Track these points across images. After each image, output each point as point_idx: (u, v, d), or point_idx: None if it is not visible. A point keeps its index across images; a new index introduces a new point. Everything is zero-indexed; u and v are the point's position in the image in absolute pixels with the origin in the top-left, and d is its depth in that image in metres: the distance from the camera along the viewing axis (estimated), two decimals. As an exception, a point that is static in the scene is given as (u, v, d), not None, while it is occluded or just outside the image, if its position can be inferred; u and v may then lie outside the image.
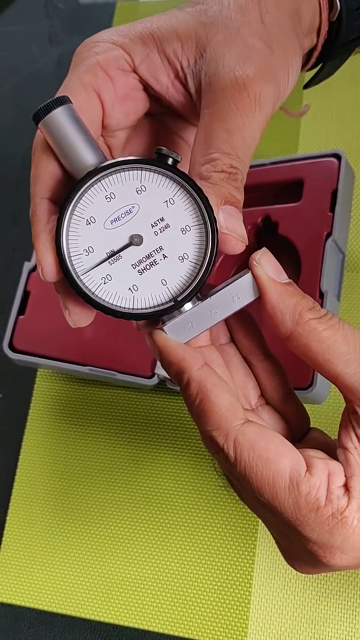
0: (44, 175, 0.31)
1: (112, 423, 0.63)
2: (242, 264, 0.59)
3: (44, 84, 0.83)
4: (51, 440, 0.64)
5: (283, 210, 0.57)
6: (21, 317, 0.61)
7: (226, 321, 0.34)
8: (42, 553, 0.61)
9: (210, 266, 0.30)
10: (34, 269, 0.63)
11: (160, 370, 0.57)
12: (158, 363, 0.57)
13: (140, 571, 0.58)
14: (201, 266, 0.30)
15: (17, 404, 0.67)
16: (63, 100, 0.30)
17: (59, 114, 0.30)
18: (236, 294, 0.31)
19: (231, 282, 0.31)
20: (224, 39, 0.32)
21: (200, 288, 0.31)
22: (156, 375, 0.57)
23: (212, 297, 0.31)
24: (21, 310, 0.62)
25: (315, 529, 0.29)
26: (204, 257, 0.30)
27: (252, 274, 0.31)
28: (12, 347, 0.61)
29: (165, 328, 0.31)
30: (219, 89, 0.31)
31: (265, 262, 0.31)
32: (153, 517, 0.59)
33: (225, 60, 0.32)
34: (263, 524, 0.49)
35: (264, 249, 0.31)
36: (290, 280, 0.31)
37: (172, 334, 0.31)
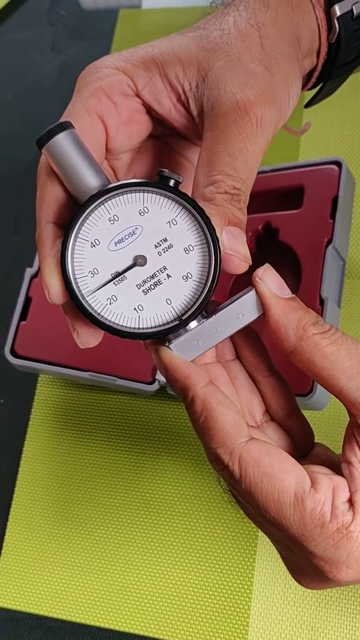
0: (49, 200, 0.32)
1: (112, 429, 0.63)
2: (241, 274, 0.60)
3: (47, 91, 0.84)
4: (52, 446, 0.64)
5: (284, 217, 0.57)
6: (23, 322, 0.62)
7: (231, 338, 0.34)
8: (42, 558, 0.61)
9: (214, 285, 0.31)
10: (36, 274, 0.63)
11: (161, 377, 0.57)
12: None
13: (140, 577, 0.58)
14: (205, 285, 0.31)
15: (18, 410, 0.67)
16: (65, 126, 0.31)
17: (61, 139, 0.31)
18: (240, 312, 0.31)
19: (235, 300, 0.32)
20: (225, 65, 0.33)
21: (205, 306, 0.31)
22: (157, 381, 0.57)
23: (216, 314, 0.31)
24: (23, 316, 0.62)
25: (320, 544, 0.29)
26: (207, 276, 0.31)
27: (256, 290, 0.31)
28: (13, 352, 0.61)
29: (171, 346, 0.31)
30: (221, 114, 0.32)
31: (268, 278, 0.31)
32: (153, 523, 0.59)
33: (226, 85, 0.32)
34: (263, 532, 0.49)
35: (267, 265, 0.32)
36: (294, 295, 0.32)
37: (178, 352, 0.31)
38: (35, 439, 0.65)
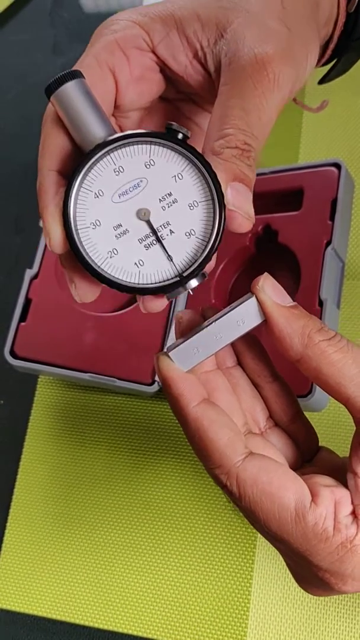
0: (53, 148, 0.31)
1: (112, 430, 0.63)
2: (243, 270, 0.60)
3: (48, 93, 0.84)
4: (52, 447, 0.64)
5: (283, 218, 0.57)
6: (22, 324, 0.62)
7: (232, 344, 0.34)
8: (41, 560, 0.61)
9: (217, 243, 0.30)
10: (36, 276, 0.63)
11: (160, 378, 0.57)
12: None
13: (139, 579, 0.58)
14: (207, 243, 0.30)
15: (18, 411, 0.67)
16: (75, 74, 0.30)
17: (70, 87, 0.30)
18: (241, 319, 0.31)
19: (235, 307, 0.31)
20: (245, 21, 0.32)
21: (206, 264, 0.30)
22: (156, 383, 0.57)
23: (216, 322, 0.31)
24: (22, 317, 0.62)
25: (325, 558, 0.29)
26: (211, 234, 0.30)
27: (257, 299, 0.30)
28: (13, 353, 0.61)
29: (171, 354, 0.31)
30: (239, 68, 0.31)
31: (268, 287, 0.31)
32: (153, 524, 0.59)
33: (245, 40, 0.32)
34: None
35: (266, 274, 0.31)
36: (295, 303, 0.31)
37: (177, 360, 0.31)
38: (34, 440, 0.65)
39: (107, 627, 0.57)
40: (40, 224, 0.64)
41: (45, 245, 0.63)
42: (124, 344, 0.59)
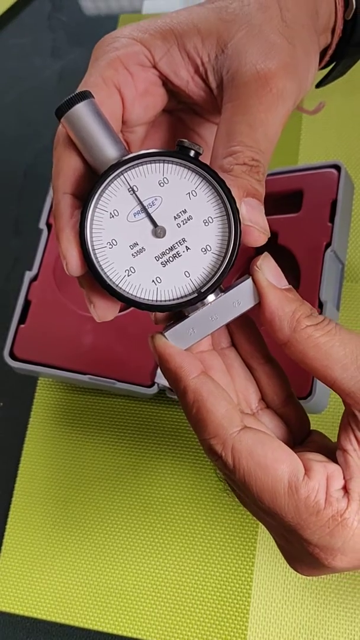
0: (67, 170, 0.31)
1: (111, 432, 0.63)
2: (242, 272, 0.60)
3: (47, 96, 0.84)
4: (51, 449, 0.64)
5: (283, 220, 0.57)
6: (22, 325, 0.62)
7: (227, 325, 0.34)
8: (41, 562, 0.61)
9: (234, 258, 0.30)
10: (35, 278, 0.63)
11: (160, 380, 0.57)
12: (158, 372, 0.57)
13: (139, 580, 0.57)
14: (224, 258, 0.30)
15: (17, 412, 0.67)
16: (85, 95, 0.30)
17: (81, 109, 0.30)
18: (237, 300, 0.31)
19: (231, 288, 0.31)
20: (246, 36, 0.32)
21: (223, 279, 0.31)
22: (156, 384, 0.57)
23: (213, 302, 0.31)
24: (22, 319, 0.62)
25: (315, 532, 0.29)
26: (227, 249, 0.30)
27: (253, 279, 0.31)
28: (12, 355, 0.61)
29: (166, 334, 0.31)
30: (242, 84, 0.31)
31: (266, 268, 0.31)
32: (152, 525, 0.59)
33: (247, 55, 0.32)
34: (262, 533, 0.50)
35: (266, 253, 0.32)
36: (290, 286, 0.31)
37: (173, 340, 0.31)
38: (34, 442, 0.65)
39: (106, 629, 0.57)
40: (41, 226, 0.64)
41: (45, 247, 0.64)
42: (123, 346, 0.59)
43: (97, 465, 0.62)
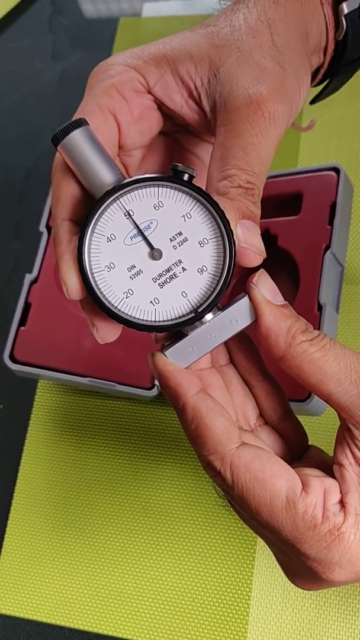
0: (65, 197, 0.32)
1: (112, 434, 0.63)
2: (242, 275, 0.60)
3: (47, 99, 0.84)
4: (51, 451, 0.64)
5: (282, 223, 0.57)
6: (22, 328, 0.62)
7: (225, 343, 0.35)
8: (41, 564, 0.61)
9: (229, 277, 0.31)
10: (36, 280, 0.63)
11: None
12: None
13: (139, 583, 0.57)
14: (220, 277, 0.31)
15: (17, 415, 0.67)
16: (80, 123, 0.31)
17: (77, 136, 0.31)
18: (234, 318, 0.32)
19: (229, 306, 0.32)
20: (237, 60, 0.33)
21: (220, 299, 0.31)
22: (156, 387, 0.57)
23: (211, 321, 0.32)
24: (22, 322, 0.62)
25: (313, 546, 0.30)
26: (222, 269, 0.31)
27: (249, 296, 0.31)
28: (13, 358, 0.61)
29: (166, 353, 0.32)
30: (234, 109, 0.32)
31: (262, 285, 0.32)
32: (152, 528, 0.59)
33: (239, 80, 0.33)
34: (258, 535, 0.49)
35: (262, 270, 0.32)
36: (286, 302, 0.32)
37: (173, 358, 0.32)
38: (34, 445, 0.65)
39: (106, 632, 0.57)
40: (41, 228, 0.65)
41: (45, 250, 0.64)
42: (123, 349, 0.59)
43: (97, 468, 0.62)
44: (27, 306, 0.63)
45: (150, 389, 0.57)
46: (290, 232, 0.57)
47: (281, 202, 0.58)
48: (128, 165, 0.37)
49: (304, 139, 0.67)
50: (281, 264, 0.57)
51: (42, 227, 0.65)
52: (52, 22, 0.90)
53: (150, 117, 0.36)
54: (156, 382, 0.57)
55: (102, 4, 0.90)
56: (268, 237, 0.58)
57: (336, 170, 0.56)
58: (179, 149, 0.39)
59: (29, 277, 0.63)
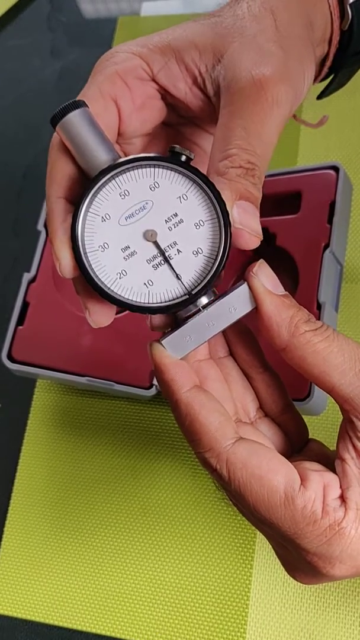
0: (60, 176, 0.32)
1: (110, 434, 0.63)
2: (241, 273, 0.60)
3: (46, 96, 0.84)
4: (50, 451, 0.64)
5: (281, 221, 0.57)
6: (20, 327, 0.61)
7: (224, 334, 0.34)
8: (39, 565, 0.60)
9: (224, 260, 0.31)
10: (34, 279, 0.63)
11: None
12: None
13: (137, 583, 0.57)
14: (215, 260, 0.31)
15: (15, 414, 0.67)
16: (79, 104, 0.31)
17: (75, 116, 0.31)
18: (233, 305, 0.31)
19: (227, 294, 0.31)
20: (241, 45, 0.33)
21: (214, 281, 0.31)
22: (154, 386, 0.57)
23: (209, 309, 0.31)
24: (20, 321, 0.62)
25: (313, 541, 0.29)
26: (218, 252, 0.30)
27: (249, 285, 0.31)
28: (10, 357, 0.61)
29: (163, 342, 0.31)
30: (238, 90, 0.32)
31: (262, 274, 0.31)
32: (150, 528, 0.59)
33: (242, 63, 0.32)
34: (261, 536, 0.49)
35: (261, 260, 0.32)
36: (287, 293, 0.31)
37: (170, 348, 0.31)
38: (32, 444, 0.65)
39: (104, 632, 0.57)
40: (39, 227, 0.64)
41: (43, 249, 0.64)
42: (121, 348, 0.59)
43: (95, 467, 0.62)
44: (25, 305, 0.62)
45: (148, 388, 0.57)
46: (290, 230, 0.56)
47: (280, 200, 0.58)
48: (129, 153, 0.36)
49: (303, 138, 0.67)
50: (280, 262, 0.56)
51: (41, 226, 0.65)
52: (51, 20, 0.90)
53: (152, 106, 0.35)
54: (154, 382, 0.57)
55: (101, 3, 0.90)
56: (267, 236, 0.58)
57: (335, 168, 0.56)
58: (182, 140, 0.38)
59: (27, 276, 0.63)
